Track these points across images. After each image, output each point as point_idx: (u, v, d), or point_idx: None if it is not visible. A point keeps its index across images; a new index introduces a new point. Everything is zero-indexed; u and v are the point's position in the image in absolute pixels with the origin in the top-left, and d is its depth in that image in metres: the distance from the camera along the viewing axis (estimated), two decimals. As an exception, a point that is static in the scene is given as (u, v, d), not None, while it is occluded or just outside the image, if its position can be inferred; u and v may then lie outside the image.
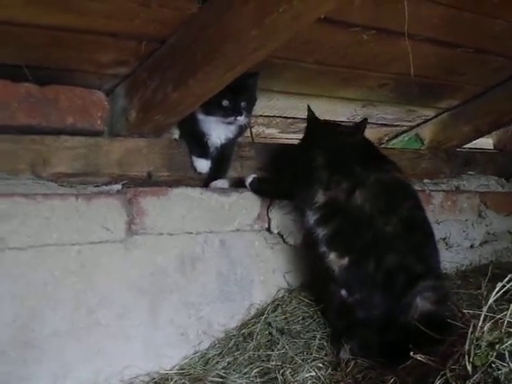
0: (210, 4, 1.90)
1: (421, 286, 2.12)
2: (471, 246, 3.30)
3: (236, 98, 2.42)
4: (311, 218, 2.33)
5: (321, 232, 2.30)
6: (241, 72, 2.08)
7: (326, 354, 2.21)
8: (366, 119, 2.49)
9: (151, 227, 2.23)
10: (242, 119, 2.45)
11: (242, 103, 2.45)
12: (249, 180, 2.48)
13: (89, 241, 2.08)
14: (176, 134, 2.59)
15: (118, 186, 2.24)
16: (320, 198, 2.29)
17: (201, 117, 2.45)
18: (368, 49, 2.49)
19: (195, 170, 2.52)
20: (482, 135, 3.67)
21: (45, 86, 2.14)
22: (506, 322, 1.49)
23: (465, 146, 3.73)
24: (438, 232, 3.05)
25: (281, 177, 2.54)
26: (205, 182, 2.54)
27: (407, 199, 2.33)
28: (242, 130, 2.60)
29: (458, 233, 3.22)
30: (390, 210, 2.23)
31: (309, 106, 2.50)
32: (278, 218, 2.55)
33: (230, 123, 2.47)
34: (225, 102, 2.40)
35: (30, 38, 1.91)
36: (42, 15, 1.82)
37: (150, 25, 1.95)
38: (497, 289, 1.56)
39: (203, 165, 2.51)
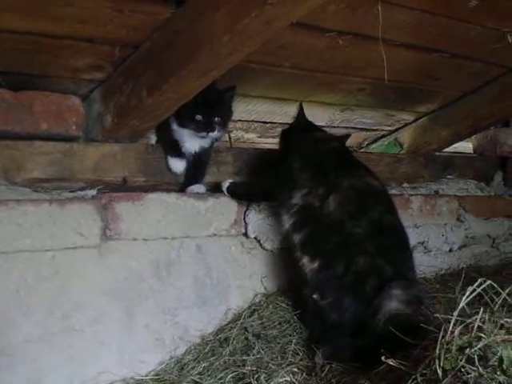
0: (183, 9, 1.90)
1: (390, 286, 2.11)
2: (450, 250, 3.31)
3: (210, 112, 2.41)
4: (287, 222, 2.34)
5: (296, 237, 2.31)
6: (215, 77, 2.09)
7: (301, 359, 2.20)
8: (348, 135, 2.54)
9: (126, 232, 2.22)
10: (214, 134, 2.45)
11: (216, 118, 2.44)
12: (225, 185, 2.49)
13: (63, 246, 2.07)
14: (152, 139, 2.58)
15: (93, 192, 2.24)
16: (298, 201, 2.30)
17: (174, 127, 2.44)
18: (344, 53, 2.50)
19: (170, 170, 2.50)
20: (460, 139, 3.68)
21: (19, 92, 2.13)
22: (475, 326, 1.50)
23: (444, 151, 3.75)
24: (417, 236, 3.07)
25: (259, 179, 2.54)
26: (181, 187, 2.53)
27: (379, 204, 2.32)
28: (217, 139, 2.59)
29: (436, 237, 3.23)
30: (360, 213, 2.24)
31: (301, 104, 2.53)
32: (255, 222, 2.55)
33: (202, 137, 2.46)
34: (198, 117, 2.39)
35: (4, 43, 1.91)
36: (16, 21, 1.83)
37: (123, 30, 1.95)
38: (467, 293, 1.56)
39: (178, 165, 2.50)
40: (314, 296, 2.24)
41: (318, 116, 3.16)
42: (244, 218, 2.55)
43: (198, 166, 2.56)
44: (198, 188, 2.51)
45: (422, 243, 3.15)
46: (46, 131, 2.19)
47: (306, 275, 2.27)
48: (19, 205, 2.00)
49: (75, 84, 2.23)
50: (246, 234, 2.56)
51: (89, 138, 2.31)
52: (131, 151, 2.40)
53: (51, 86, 2.20)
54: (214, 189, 2.57)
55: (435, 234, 3.22)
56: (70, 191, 2.23)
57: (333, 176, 2.30)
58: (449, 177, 3.59)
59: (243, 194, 2.54)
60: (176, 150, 2.50)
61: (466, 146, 4.11)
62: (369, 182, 2.36)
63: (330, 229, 2.23)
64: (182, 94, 2.13)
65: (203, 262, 2.43)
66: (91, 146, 2.30)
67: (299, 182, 2.32)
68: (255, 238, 2.58)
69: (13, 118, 2.12)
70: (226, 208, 2.49)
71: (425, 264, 3.05)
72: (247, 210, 2.55)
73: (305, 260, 2.27)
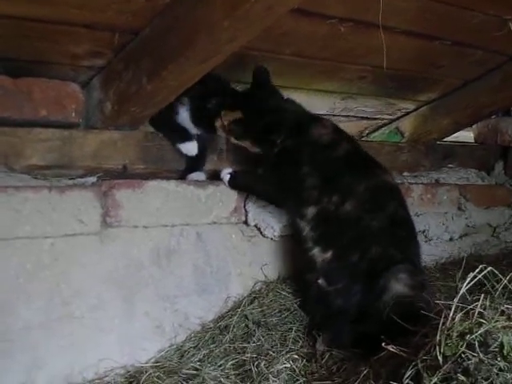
0: (183, -6, 1.89)
1: (397, 267, 2.15)
2: (450, 239, 3.31)
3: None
4: (300, 222, 2.36)
5: (309, 233, 2.33)
6: (215, 64, 2.06)
7: (301, 346, 2.21)
8: None
9: (126, 220, 2.22)
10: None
11: None
12: (226, 177, 2.47)
13: (62, 233, 2.06)
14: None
15: (93, 179, 2.24)
16: (310, 211, 2.31)
17: (181, 112, 2.46)
18: (346, 41, 2.48)
19: (186, 154, 2.51)
20: (461, 128, 3.67)
21: (18, 78, 2.12)
22: (476, 312, 1.49)
23: (446, 140, 3.74)
24: (418, 225, 3.03)
25: (260, 177, 2.51)
26: (181, 174, 2.52)
27: (393, 199, 2.37)
28: None
29: (437, 225, 3.23)
30: (377, 209, 2.29)
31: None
32: (255, 210, 2.55)
33: None
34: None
35: (2, 29, 1.89)
36: (13, 6, 1.80)
37: (123, 16, 1.93)
38: (468, 279, 1.55)
39: (190, 147, 2.50)
40: (319, 281, 2.25)
41: (319, 105, 3.14)
42: (244, 206, 2.54)
43: (198, 153, 2.55)
44: (198, 175, 2.51)
45: (423, 232, 3.15)
46: (45, 118, 2.18)
47: (316, 263, 2.29)
48: (18, 191, 1.99)
49: (75, 71, 2.21)
50: (246, 222, 2.55)
51: (88, 125, 2.30)
52: (131, 138, 2.38)
53: (50, 72, 2.19)
54: (213, 176, 2.55)
55: (436, 222, 3.22)
56: (70, 178, 2.22)
57: (349, 181, 2.32)
58: (450, 166, 3.58)
59: (243, 187, 2.53)
60: (184, 134, 2.50)
61: (467, 136, 4.10)
62: (384, 180, 2.39)
63: (347, 225, 2.27)
64: (181, 80, 2.12)
65: (203, 249, 2.42)
66: (91, 133, 2.29)
67: (313, 196, 2.32)
68: (255, 225, 2.57)
69: (12, 105, 2.10)
70: (226, 196, 2.48)
71: (425, 253, 3.01)
72: (247, 197, 2.54)
73: (315, 250, 2.30)
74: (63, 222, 2.06)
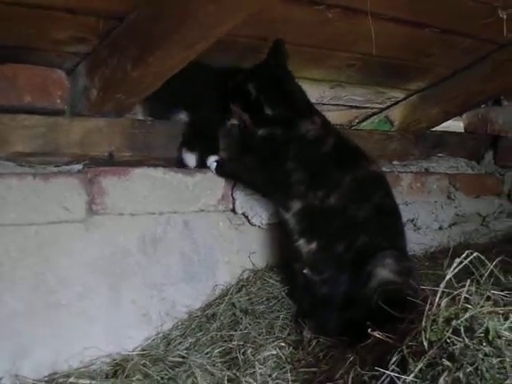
0: (169, -21, 1.87)
1: (383, 253, 2.16)
2: (440, 228, 3.32)
3: None
4: (285, 214, 2.37)
5: (294, 225, 2.34)
6: (201, 50, 2.04)
7: (288, 334, 2.21)
8: None
9: (112, 207, 2.20)
10: None
11: None
12: (213, 165, 2.46)
13: (47, 221, 2.05)
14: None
15: (79, 166, 2.22)
16: (295, 205, 2.32)
17: None
18: (334, 28, 2.45)
19: None
20: (450, 117, 3.66)
21: (2, 64, 2.09)
22: (462, 297, 1.49)
23: (436, 129, 3.73)
24: (407, 213, 3.06)
25: (247, 166, 2.50)
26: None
27: (379, 189, 2.38)
28: None
29: (426, 214, 3.23)
30: (362, 199, 2.30)
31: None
32: (243, 198, 2.54)
33: None
34: None
35: (-15, 13, 1.87)
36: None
37: (107, 1, 1.91)
38: (454, 265, 1.55)
39: None
40: (305, 271, 2.26)
41: (308, 93, 3.12)
42: (232, 194, 2.53)
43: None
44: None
45: (412, 220, 3.15)
46: (30, 104, 2.15)
47: (301, 254, 2.30)
48: (3, 178, 1.97)
49: (60, 57, 2.19)
50: (233, 210, 2.54)
51: (74, 112, 2.28)
52: (117, 126, 2.36)
53: (36, 58, 2.16)
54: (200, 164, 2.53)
55: (425, 211, 3.22)
56: (55, 166, 2.20)
57: (335, 175, 2.33)
58: (439, 155, 3.56)
59: (230, 175, 2.52)
60: None
61: (457, 125, 4.09)
62: (371, 170, 2.39)
63: (332, 216, 2.28)
64: (167, 67, 2.10)
65: (190, 237, 2.41)
66: (76, 121, 2.27)
67: (297, 191, 2.33)
68: (243, 213, 2.56)
69: (-4, 91, 2.09)
70: (214, 183, 2.48)
71: (414, 241, 3.04)
72: (235, 185, 2.53)
73: (301, 242, 2.31)
74: (48, 209, 2.05)
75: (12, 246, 1.99)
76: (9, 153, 2.11)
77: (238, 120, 2.57)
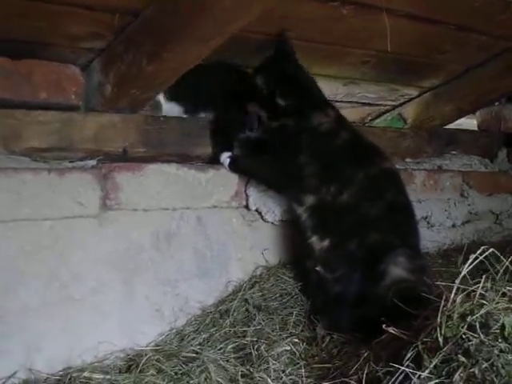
0: (184, -25, 1.87)
1: (395, 252, 2.15)
2: (453, 226, 3.31)
3: None
4: (298, 208, 2.36)
5: (307, 220, 2.33)
6: (217, 45, 2.05)
7: (302, 330, 2.21)
8: None
9: (126, 203, 2.21)
10: None
11: None
12: (226, 161, 2.46)
13: (62, 216, 2.06)
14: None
15: (93, 162, 2.23)
16: (309, 200, 2.32)
17: None
18: (348, 24, 2.45)
19: None
20: (464, 115, 3.66)
21: (18, 60, 2.10)
22: (477, 293, 1.48)
23: (449, 126, 3.72)
24: (420, 211, 3.05)
25: (261, 161, 2.50)
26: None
27: (392, 186, 2.37)
28: None
29: (439, 212, 3.22)
30: (376, 196, 2.29)
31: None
32: (256, 195, 2.54)
33: None
34: None
35: (1, 8, 1.87)
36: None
37: (123, -3, 1.92)
38: (470, 260, 1.54)
39: None
40: (317, 268, 2.25)
41: (322, 90, 3.12)
42: (245, 190, 2.53)
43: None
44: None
45: (425, 218, 3.14)
46: (45, 100, 2.16)
47: (314, 251, 2.30)
48: (18, 173, 1.98)
49: (75, 53, 2.19)
50: (247, 206, 2.54)
51: (88, 107, 2.28)
52: (131, 122, 2.36)
53: (51, 54, 2.17)
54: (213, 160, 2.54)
55: (438, 209, 3.21)
56: (70, 161, 2.21)
57: (348, 172, 2.32)
58: (452, 152, 3.56)
59: (244, 171, 2.52)
60: None
61: (470, 123, 4.08)
62: (384, 167, 2.38)
63: (344, 213, 2.27)
64: (182, 62, 2.11)
65: (203, 233, 2.41)
66: (91, 116, 2.27)
67: (312, 184, 2.32)
68: (256, 210, 2.56)
69: (11, 87, 2.09)
70: (227, 180, 2.48)
71: (427, 239, 3.03)
72: (248, 182, 2.53)
73: (314, 239, 2.30)
74: (63, 204, 2.06)
75: (26, 240, 2.00)
76: (23, 148, 2.12)
77: (253, 118, 2.56)
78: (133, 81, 2.17)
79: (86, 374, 1.93)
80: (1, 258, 1.95)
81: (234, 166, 2.46)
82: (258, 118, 2.49)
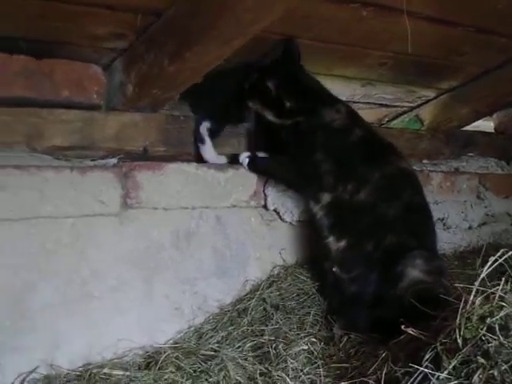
0: (207, -25, 1.88)
1: (412, 254, 2.15)
2: (469, 228, 3.31)
3: None
4: (314, 207, 2.37)
5: (323, 219, 2.35)
6: (239, 45, 2.06)
7: (319, 330, 2.23)
8: None
9: (146, 201, 2.23)
10: None
11: None
12: (245, 161, 2.48)
13: (83, 214, 2.08)
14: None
15: (114, 160, 2.24)
16: (325, 198, 2.33)
17: None
18: (368, 26, 2.45)
19: None
20: (481, 117, 3.64)
21: (41, 59, 2.12)
22: (497, 295, 1.49)
23: (466, 128, 3.71)
24: (436, 213, 3.05)
25: (279, 161, 2.52)
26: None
27: (409, 186, 2.37)
28: None
29: (456, 214, 3.22)
30: (392, 197, 2.30)
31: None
32: (275, 195, 2.55)
33: None
34: None
35: (25, 9, 1.89)
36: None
37: (146, -3, 1.93)
38: (489, 263, 1.55)
39: None
40: (334, 269, 2.26)
41: (338, 91, 3.08)
42: (264, 190, 2.54)
43: None
44: (219, 159, 2.51)
45: (442, 220, 3.14)
46: (67, 99, 2.18)
47: (330, 251, 2.31)
48: (40, 171, 2.01)
49: (97, 52, 2.21)
50: (265, 206, 2.56)
51: (110, 107, 2.30)
52: (152, 121, 2.38)
53: (73, 54, 2.18)
54: (233, 160, 2.54)
55: (455, 210, 3.22)
56: (91, 159, 2.22)
57: (363, 170, 2.32)
58: (469, 154, 3.56)
59: (263, 171, 2.53)
60: None
61: (487, 125, 4.07)
62: (400, 167, 2.38)
63: (361, 213, 2.28)
64: (204, 62, 2.11)
65: (223, 232, 2.43)
66: (112, 115, 2.29)
67: (328, 182, 2.33)
68: (275, 210, 2.57)
69: (34, 86, 2.10)
70: (246, 179, 2.49)
71: (444, 240, 3.04)
72: (267, 182, 2.54)
73: (330, 239, 2.31)
74: (84, 202, 2.08)
75: (48, 238, 2.02)
76: (46, 146, 2.14)
77: (254, 116, 2.58)
78: (154, 81, 2.18)
79: (105, 370, 1.96)
80: (22, 255, 1.97)
81: (252, 166, 2.47)
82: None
